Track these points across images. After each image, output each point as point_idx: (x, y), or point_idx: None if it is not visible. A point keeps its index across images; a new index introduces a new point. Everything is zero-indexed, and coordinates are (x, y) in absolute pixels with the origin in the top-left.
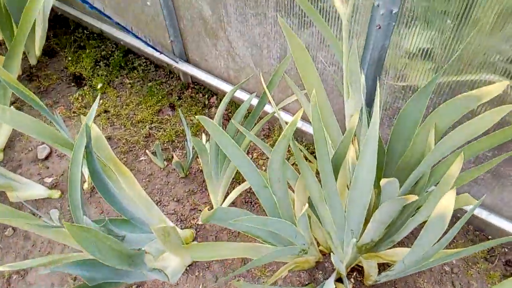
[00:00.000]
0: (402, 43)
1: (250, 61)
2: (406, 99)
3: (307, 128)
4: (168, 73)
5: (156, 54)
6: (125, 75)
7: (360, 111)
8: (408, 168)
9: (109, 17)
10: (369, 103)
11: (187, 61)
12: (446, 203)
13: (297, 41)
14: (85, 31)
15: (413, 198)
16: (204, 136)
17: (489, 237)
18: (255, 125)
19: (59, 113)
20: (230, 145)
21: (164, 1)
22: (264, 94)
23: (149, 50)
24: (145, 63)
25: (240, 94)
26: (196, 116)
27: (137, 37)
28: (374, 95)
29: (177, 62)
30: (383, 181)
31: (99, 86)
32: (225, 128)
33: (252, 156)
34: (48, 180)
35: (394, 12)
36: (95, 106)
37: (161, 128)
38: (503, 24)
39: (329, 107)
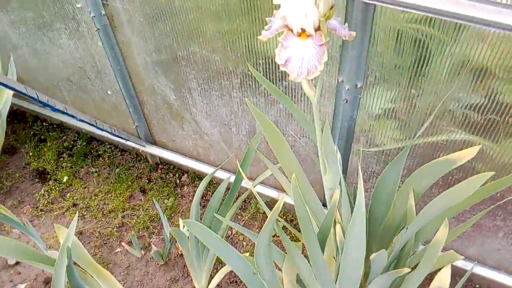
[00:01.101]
0: (368, 108)
1: (219, 139)
2: (380, 163)
3: (285, 198)
4: (135, 156)
5: (122, 141)
6: (90, 164)
7: (339, 183)
8: (391, 231)
9: (73, 116)
10: (343, 170)
11: (154, 143)
12: (443, 277)
13: (267, 121)
14: (44, 123)
15: (406, 270)
16: (181, 221)
17: (477, 286)
18: (233, 203)
19: (25, 213)
20: (213, 241)
21: (126, 90)
22: (239, 172)
23: (109, 135)
24: (110, 149)
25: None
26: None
27: (102, 129)
28: (348, 162)
29: (144, 146)
30: (372, 256)
31: (64, 179)
32: (203, 208)
33: (232, 232)
34: (21, 286)
35: (359, 86)
36: (73, 225)
37: (134, 215)
38: (456, 75)
39: (306, 180)
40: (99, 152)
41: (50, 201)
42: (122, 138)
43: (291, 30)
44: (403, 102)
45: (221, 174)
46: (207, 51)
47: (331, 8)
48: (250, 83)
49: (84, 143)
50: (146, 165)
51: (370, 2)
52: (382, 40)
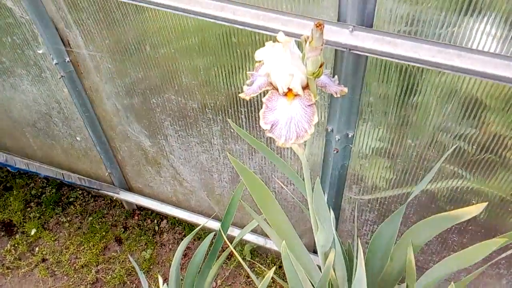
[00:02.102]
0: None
1: (200, 185)
2: (373, 211)
3: (271, 245)
4: (109, 202)
5: (101, 191)
6: (61, 213)
7: (332, 242)
8: (389, 284)
9: (36, 173)
10: (335, 216)
11: (129, 189)
12: None
13: (250, 174)
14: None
15: None
16: (160, 278)
17: None
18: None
19: None
20: None
21: (96, 136)
22: (223, 222)
23: (78, 179)
24: (82, 195)
25: (194, 217)
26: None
27: (70, 182)
28: (339, 210)
29: (118, 193)
30: None
31: (32, 232)
32: (185, 256)
33: (217, 284)
34: None
35: (350, 135)
36: None
37: (109, 269)
38: (444, 105)
39: (295, 235)
40: (70, 199)
41: (17, 256)
42: (93, 188)
43: (276, 89)
44: (394, 144)
45: (203, 221)
46: (184, 98)
47: (321, 65)
48: (232, 130)
49: (54, 190)
50: (122, 212)
51: (362, 53)
52: (375, 88)
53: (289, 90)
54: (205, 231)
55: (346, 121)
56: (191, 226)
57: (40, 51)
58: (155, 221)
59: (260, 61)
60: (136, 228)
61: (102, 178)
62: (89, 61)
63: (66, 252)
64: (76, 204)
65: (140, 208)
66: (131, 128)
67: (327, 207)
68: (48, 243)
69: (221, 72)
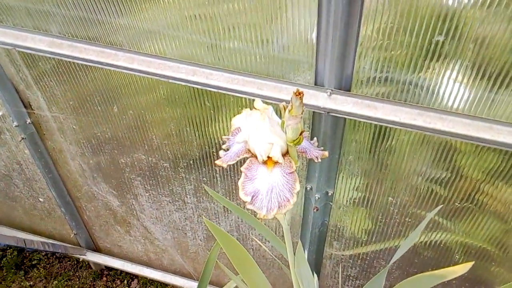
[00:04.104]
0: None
1: (172, 244)
2: (355, 267)
3: None
4: (76, 263)
5: (59, 253)
6: (23, 277)
7: None
8: None
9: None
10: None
11: (97, 249)
12: None
13: (228, 238)
14: None
15: None
16: None
17: None
18: None
19: None
20: None
21: (60, 197)
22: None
23: (42, 240)
24: (45, 257)
25: (167, 277)
26: None
27: (33, 249)
28: (320, 266)
29: (85, 255)
30: None
31: None
32: None
33: None
34: None
35: (330, 193)
36: None
37: None
38: (417, 150)
39: None
40: (33, 262)
41: None
42: (58, 252)
43: (255, 156)
44: (373, 193)
45: (177, 280)
46: (155, 158)
47: (301, 133)
48: (204, 189)
49: (15, 253)
50: (89, 273)
51: (340, 116)
52: (354, 146)
53: (269, 158)
54: None
55: (325, 180)
56: (163, 285)
57: (0, 113)
58: (125, 281)
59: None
60: None
61: (67, 239)
62: (52, 122)
63: None
64: (39, 267)
65: (108, 268)
66: (98, 188)
67: (310, 272)
68: None
69: (192, 127)
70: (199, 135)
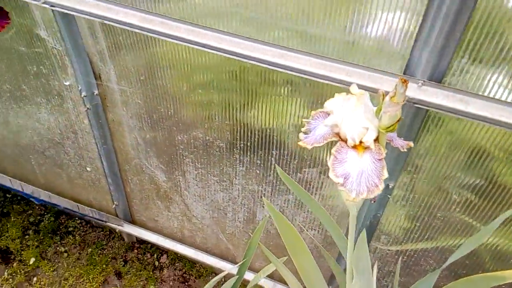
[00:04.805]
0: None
1: (211, 223)
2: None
3: None
4: (108, 233)
5: (100, 222)
6: (59, 243)
7: None
8: None
9: (56, 205)
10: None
11: (132, 222)
12: None
13: (287, 223)
14: (7, 194)
15: None
16: None
17: None
18: None
19: None
20: None
21: (110, 168)
22: (241, 267)
23: (80, 209)
24: (80, 224)
25: (199, 255)
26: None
27: (84, 215)
28: None
29: (122, 226)
30: None
31: (31, 261)
32: None
33: None
34: None
35: (390, 186)
36: None
37: None
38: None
39: (324, 283)
40: (69, 229)
41: (15, 286)
42: (101, 220)
43: (344, 141)
44: (433, 196)
45: (208, 259)
46: (212, 137)
47: (398, 121)
48: (258, 171)
49: (52, 218)
50: (121, 244)
51: (428, 108)
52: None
53: (360, 143)
54: (207, 269)
55: (389, 172)
56: (192, 263)
57: (67, 83)
58: (155, 255)
59: (317, 110)
60: (136, 261)
61: (105, 209)
62: (118, 95)
63: (65, 283)
64: (75, 234)
65: (139, 241)
66: (148, 162)
67: (369, 262)
68: (46, 274)
69: (259, 109)
70: (264, 118)
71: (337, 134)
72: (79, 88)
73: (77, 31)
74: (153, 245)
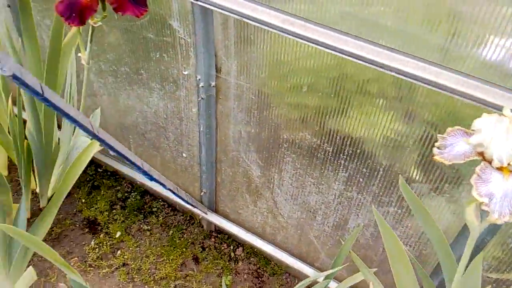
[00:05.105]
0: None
1: (296, 223)
2: None
3: None
4: (188, 219)
5: (188, 206)
6: (142, 221)
7: None
8: None
9: (163, 185)
10: None
11: (215, 211)
12: None
13: (392, 234)
14: (98, 169)
15: None
16: None
17: None
18: None
19: (73, 265)
20: None
21: (207, 157)
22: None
23: (163, 191)
24: (163, 206)
25: (278, 253)
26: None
27: (180, 197)
28: None
29: (206, 213)
30: None
31: (117, 235)
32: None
33: None
34: None
35: None
36: None
37: (185, 287)
38: None
39: None
40: (153, 209)
41: (100, 256)
42: (191, 205)
43: (488, 161)
44: None
45: (286, 258)
46: (320, 140)
47: None
48: (361, 179)
49: (138, 197)
50: (200, 231)
51: None
52: None
53: (508, 165)
54: (282, 268)
55: None
56: (267, 259)
57: (186, 72)
58: (231, 247)
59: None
60: (213, 250)
61: (192, 195)
62: (233, 89)
63: (146, 260)
64: (158, 215)
65: (217, 230)
66: (246, 156)
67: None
68: (130, 248)
69: (380, 118)
70: (382, 128)
71: (480, 154)
72: (198, 78)
73: (210, 26)
74: (230, 236)
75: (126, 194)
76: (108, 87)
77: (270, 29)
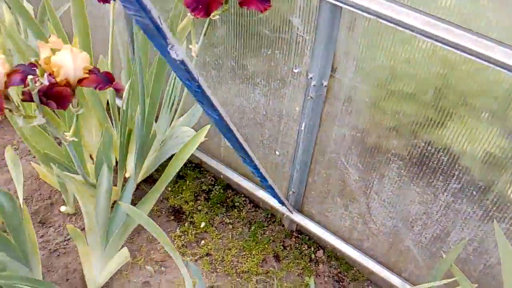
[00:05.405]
0: None
1: (389, 231)
2: None
3: None
4: (269, 216)
5: (274, 204)
6: (225, 214)
7: None
8: None
9: (265, 180)
10: None
11: (300, 211)
12: None
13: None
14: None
15: None
16: None
17: None
18: None
19: (159, 250)
20: None
21: (303, 156)
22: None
23: (249, 187)
24: (244, 202)
25: (365, 259)
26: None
27: (277, 198)
28: None
29: (291, 213)
30: None
31: (202, 225)
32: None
33: None
34: None
35: None
36: None
37: (267, 283)
38: None
39: None
40: (235, 203)
41: (185, 244)
42: (282, 203)
43: None
44: None
45: (374, 267)
46: (435, 149)
47: None
48: (474, 192)
49: (221, 190)
50: (280, 230)
51: None
52: None
53: None
54: (363, 275)
55: None
56: (348, 265)
57: (296, 70)
58: (312, 248)
59: None
60: (294, 249)
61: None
62: (345, 90)
63: (229, 253)
64: (240, 210)
65: (298, 231)
66: (346, 159)
67: None
68: (213, 240)
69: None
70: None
71: None
72: (310, 77)
73: (336, 24)
74: (311, 237)
75: (209, 187)
76: (209, 80)
77: (407, 31)
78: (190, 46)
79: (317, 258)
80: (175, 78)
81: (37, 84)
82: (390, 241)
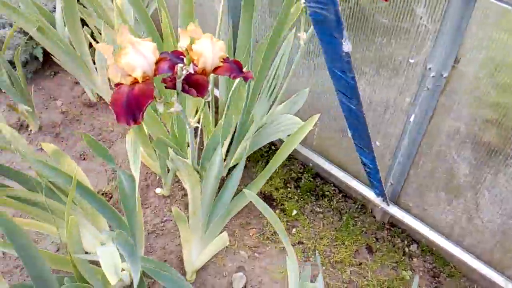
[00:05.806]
0: None
1: (496, 229)
2: None
3: None
4: (359, 207)
5: (371, 196)
6: (315, 203)
7: None
8: None
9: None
10: None
11: (396, 203)
12: None
13: None
14: (272, 147)
15: None
16: None
17: None
18: None
19: (251, 235)
20: None
21: (408, 148)
22: None
23: (340, 176)
24: (334, 191)
25: (464, 255)
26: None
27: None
28: None
29: (388, 205)
30: None
31: (293, 213)
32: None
33: None
34: None
35: None
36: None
37: (361, 275)
38: None
39: None
40: (324, 192)
41: (275, 232)
42: (380, 195)
43: None
44: None
45: (475, 264)
46: None
47: None
48: None
49: (311, 179)
50: (372, 221)
51: None
52: None
53: None
54: (461, 271)
55: None
56: (444, 260)
57: (412, 60)
58: (405, 242)
59: None
60: (387, 242)
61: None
62: (467, 82)
63: (321, 242)
64: (331, 199)
65: (390, 223)
66: (457, 152)
67: None
68: (304, 228)
69: None
70: None
71: None
72: (428, 67)
73: (468, 14)
74: (404, 230)
75: (299, 175)
76: (310, 67)
77: None
78: (299, 34)
79: (411, 252)
80: (277, 66)
81: (184, 72)
82: (496, 238)
